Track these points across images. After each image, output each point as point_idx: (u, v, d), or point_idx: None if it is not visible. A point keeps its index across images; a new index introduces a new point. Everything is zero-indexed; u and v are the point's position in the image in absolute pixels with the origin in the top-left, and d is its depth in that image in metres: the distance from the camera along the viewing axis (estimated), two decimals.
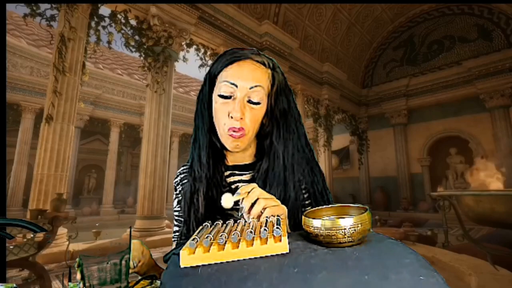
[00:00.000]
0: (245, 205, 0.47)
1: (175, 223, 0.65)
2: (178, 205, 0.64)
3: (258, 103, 0.56)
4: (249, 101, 0.55)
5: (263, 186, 0.56)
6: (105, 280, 0.48)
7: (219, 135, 0.58)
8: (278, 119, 0.59)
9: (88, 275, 0.47)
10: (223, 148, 0.60)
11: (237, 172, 0.62)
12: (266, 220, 0.44)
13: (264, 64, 0.58)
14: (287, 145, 0.59)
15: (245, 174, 0.61)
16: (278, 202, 0.49)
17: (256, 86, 0.55)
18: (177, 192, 0.65)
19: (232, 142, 0.55)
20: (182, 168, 0.67)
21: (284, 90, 0.60)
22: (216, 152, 0.61)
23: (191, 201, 0.59)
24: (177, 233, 0.63)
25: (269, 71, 0.58)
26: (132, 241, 0.57)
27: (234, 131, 0.54)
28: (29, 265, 2.52)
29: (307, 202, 0.60)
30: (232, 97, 0.55)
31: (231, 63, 0.56)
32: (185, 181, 0.63)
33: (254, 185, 0.49)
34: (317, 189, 0.60)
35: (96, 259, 0.48)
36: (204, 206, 0.57)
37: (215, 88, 0.58)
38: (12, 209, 7.87)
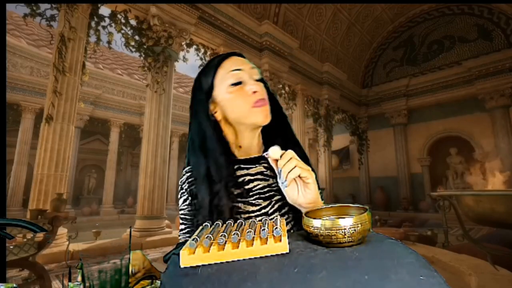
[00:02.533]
0: (280, 163, 0.51)
1: (181, 221, 0.65)
2: (184, 203, 0.64)
3: (261, 80, 0.63)
4: (256, 80, 0.61)
5: (273, 176, 0.61)
6: (105, 279, 0.48)
7: (243, 119, 0.61)
8: (274, 103, 0.64)
9: (88, 275, 0.47)
10: (228, 148, 0.63)
11: (242, 165, 0.63)
12: (266, 220, 0.44)
13: (243, 58, 0.65)
14: (286, 121, 0.67)
15: (252, 167, 0.63)
16: (309, 167, 0.52)
17: (254, 67, 0.63)
18: (183, 190, 0.65)
19: (262, 112, 0.59)
20: (188, 167, 0.67)
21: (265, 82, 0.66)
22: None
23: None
24: (183, 231, 0.63)
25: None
26: (135, 251, 0.58)
27: (260, 102, 0.59)
28: (29, 265, 2.51)
29: None
30: (242, 82, 0.60)
31: (221, 61, 0.62)
32: (191, 179, 0.64)
33: (291, 151, 0.52)
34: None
35: (96, 259, 0.48)
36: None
37: (220, 86, 0.61)
38: (12, 209, 7.87)
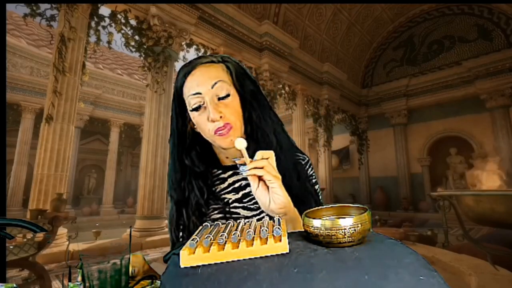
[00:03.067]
0: (258, 156, 0.51)
1: None
2: None
3: (227, 96, 0.58)
4: (219, 99, 0.57)
5: None
6: (105, 280, 0.48)
7: (212, 143, 0.60)
8: (251, 101, 0.61)
9: (88, 275, 0.47)
10: (214, 157, 0.64)
11: (237, 171, 0.63)
12: (266, 220, 0.44)
13: (213, 62, 0.60)
14: (266, 124, 0.62)
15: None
16: (279, 175, 0.52)
17: (216, 83, 0.57)
18: None
19: (225, 139, 0.57)
20: None
21: (245, 74, 0.62)
22: (200, 172, 0.62)
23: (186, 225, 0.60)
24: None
25: (221, 64, 0.60)
26: (136, 254, 0.58)
27: (220, 131, 0.56)
28: (29, 265, 2.52)
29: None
30: (203, 105, 0.57)
31: (185, 77, 0.59)
32: None
33: (272, 154, 0.52)
34: (306, 186, 0.61)
35: (96, 259, 0.48)
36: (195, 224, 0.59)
37: (188, 106, 0.60)
38: (12, 209, 7.87)
